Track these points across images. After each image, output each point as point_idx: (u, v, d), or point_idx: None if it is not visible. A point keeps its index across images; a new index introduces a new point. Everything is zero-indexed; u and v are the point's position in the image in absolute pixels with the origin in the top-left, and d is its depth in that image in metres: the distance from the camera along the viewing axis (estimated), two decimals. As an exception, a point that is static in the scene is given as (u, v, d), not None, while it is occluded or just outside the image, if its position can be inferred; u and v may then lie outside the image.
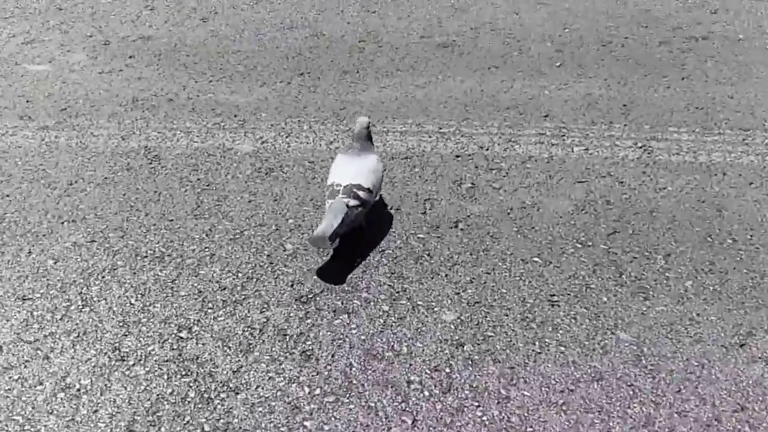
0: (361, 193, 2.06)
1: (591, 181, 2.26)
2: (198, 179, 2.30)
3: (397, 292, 1.86)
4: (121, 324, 1.77)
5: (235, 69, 2.79)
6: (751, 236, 2.05)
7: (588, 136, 2.43)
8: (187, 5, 3.14)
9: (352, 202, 2.04)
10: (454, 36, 2.92)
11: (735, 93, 2.57)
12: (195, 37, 2.95)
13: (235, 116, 2.56)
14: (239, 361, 1.68)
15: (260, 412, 1.57)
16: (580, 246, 2.04)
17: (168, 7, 3.13)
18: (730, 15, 2.96)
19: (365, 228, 2.11)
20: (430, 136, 2.46)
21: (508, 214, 2.15)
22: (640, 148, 2.37)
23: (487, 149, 2.40)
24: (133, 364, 1.67)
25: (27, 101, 2.64)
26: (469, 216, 2.15)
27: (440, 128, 2.49)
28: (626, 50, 2.80)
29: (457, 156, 2.38)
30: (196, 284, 1.88)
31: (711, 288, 1.89)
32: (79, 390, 1.61)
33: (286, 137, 2.47)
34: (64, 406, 1.58)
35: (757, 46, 2.80)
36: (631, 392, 1.60)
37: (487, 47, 2.85)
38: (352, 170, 2.10)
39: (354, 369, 1.66)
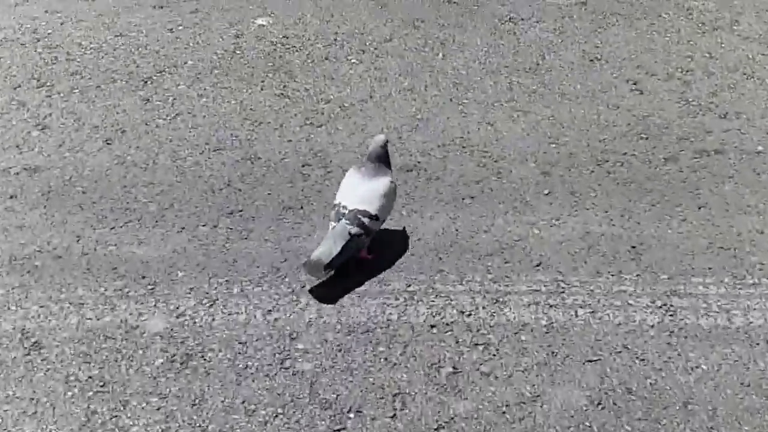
0: (366, 221, 2.16)
1: (605, 359, 1.96)
2: (89, 377, 1.92)
3: None
4: None
5: (145, 209, 2.45)
6: (815, 434, 1.77)
7: (593, 293, 2.15)
8: (87, 122, 2.82)
9: (355, 230, 2.15)
10: (419, 156, 2.66)
11: (764, 226, 2.34)
12: (96, 166, 2.62)
13: (144, 278, 2.21)
14: None
15: None
16: (600, 461, 1.72)
17: (63, 126, 2.80)
18: (742, 120, 2.78)
19: (365, 257, 2.21)
20: (396, 298, 2.15)
21: (504, 413, 1.83)
22: (660, 308, 2.10)
23: (470, 314, 2.09)
24: None
25: None
26: (453, 418, 1.82)
27: (409, 286, 2.18)
28: (626, 170, 2.57)
29: (433, 326, 2.06)
30: None
31: None
32: None
33: (210, 306, 2.12)
34: None
35: (779, 160, 2.61)
36: None
37: (458, 170, 2.59)
38: (360, 192, 2.20)
39: None
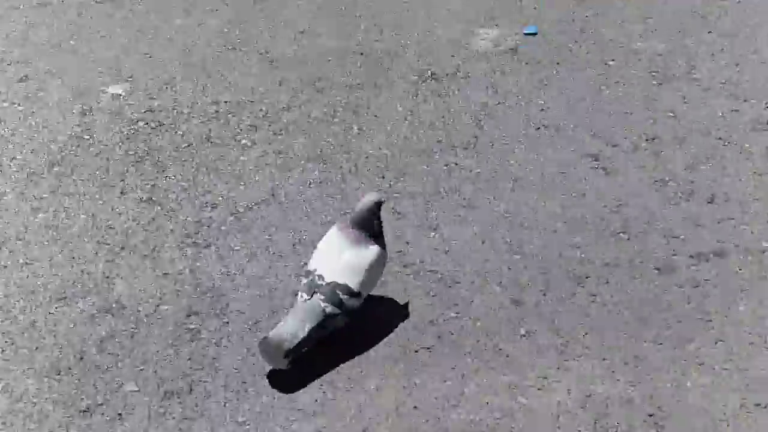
0: (344, 298, 1.83)
1: None
2: None
3: None
4: None
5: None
6: None
7: (617, 501, 1.61)
8: None
9: (330, 309, 1.82)
10: (347, 286, 2.03)
11: (797, 362, 1.90)
12: None
13: None
14: None
15: None
16: None
17: None
18: (733, 205, 2.32)
19: (338, 335, 1.82)
20: None
21: None
22: None
23: None
24: None
25: None
26: None
27: None
28: (614, 291, 2.05)
29: None
30: None
31: None
32: None
33: None
34: None
35: (789, 260, 2.17)
36: None
37: (404, 306, 1.99)
38: (343, 260, 1.86)
39: None
